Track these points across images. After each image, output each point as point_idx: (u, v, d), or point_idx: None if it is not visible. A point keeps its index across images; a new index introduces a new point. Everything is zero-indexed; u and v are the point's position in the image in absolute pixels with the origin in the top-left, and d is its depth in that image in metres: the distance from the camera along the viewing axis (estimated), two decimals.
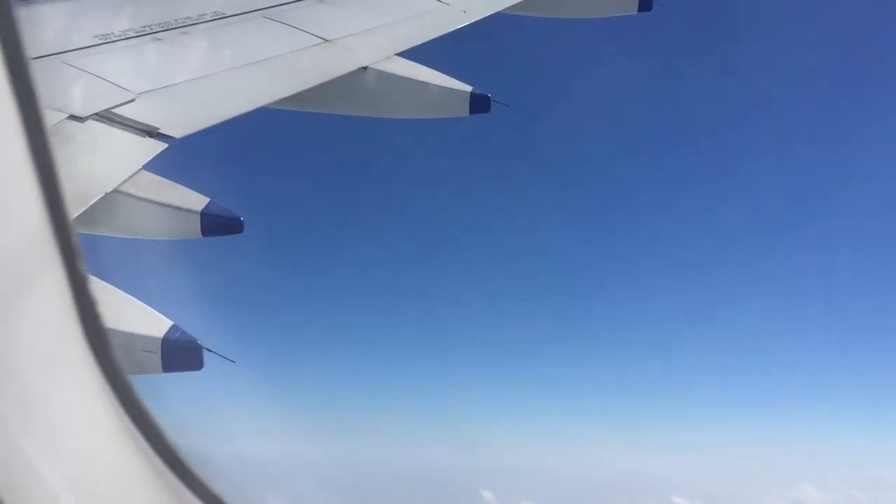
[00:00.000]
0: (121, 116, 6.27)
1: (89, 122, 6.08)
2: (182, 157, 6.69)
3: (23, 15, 1.89)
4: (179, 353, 5.28)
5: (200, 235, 7.23)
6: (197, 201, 7.29)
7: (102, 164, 5.97)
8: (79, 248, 2.07)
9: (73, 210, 5.30)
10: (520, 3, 8.74)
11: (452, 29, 9.16)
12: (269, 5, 8.65)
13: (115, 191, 5.82)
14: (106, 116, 6.21)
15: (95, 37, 7.26)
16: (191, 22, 8.07)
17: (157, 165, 6.32)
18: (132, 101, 6.48)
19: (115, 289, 5.38)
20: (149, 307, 5.39)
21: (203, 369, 5.47)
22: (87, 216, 5.46)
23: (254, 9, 8.56)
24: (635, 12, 8.71)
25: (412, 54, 8.68)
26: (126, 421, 2.13)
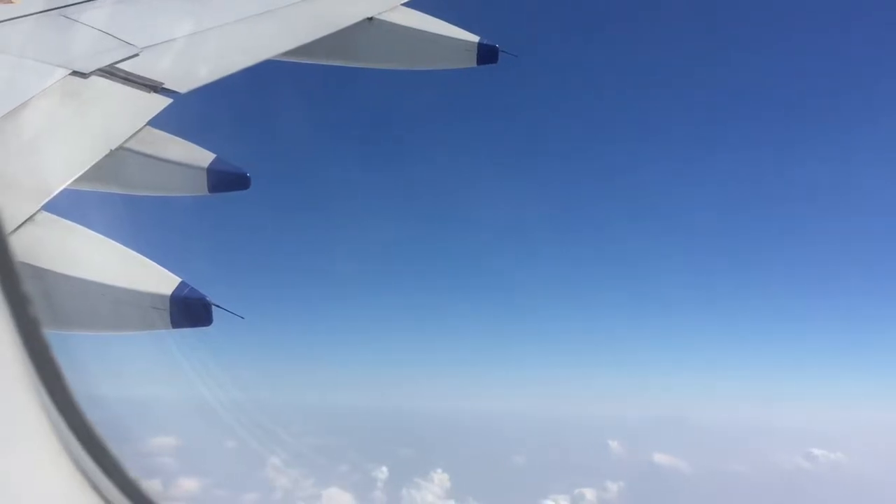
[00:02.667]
0: (125, 72, 6.20)
1: (93, 77, 6.02)
2: (187, 112, 6.64)
3: None
4: (188, 310, 5.29)
5: (207, 192, 7.22)
6: (203, 157, 7.27)
7: (107, 120, 5.92)
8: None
9: (79, 168, 5.29)
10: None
11: None
12: None
13: (121, 147, 5.78)
14: (110, 72, 6.14)
15: None
16: None
17: (162, 121, 6.28)
18: (136, 55, 6.41)
19: (123, 246, 5.39)
20: (157, 264, 5.39)
21: (212, 325, 5.47)
22: (93, 173, 5.43)
23: None
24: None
25: (419, 4, 8.55)
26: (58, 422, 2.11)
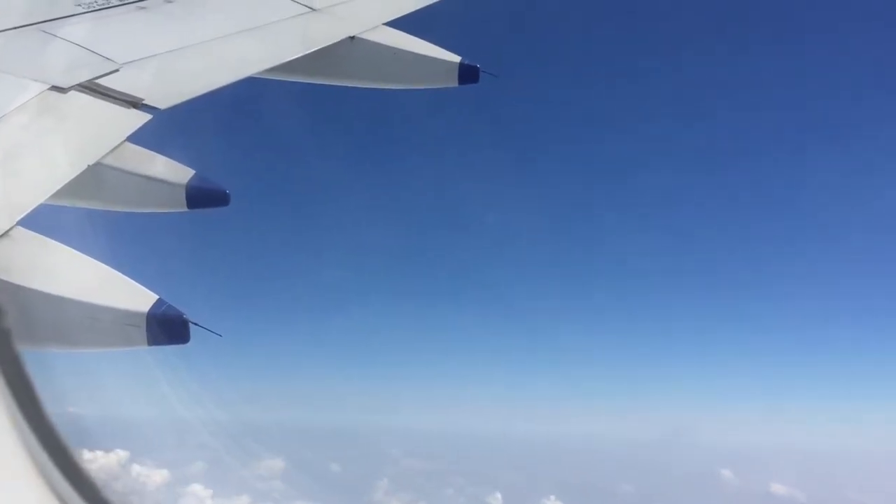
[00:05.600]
0: (104, 87, 6.17)
1: (72, 92, 5.98)
2: (167, 128, 6.62)
3: None
4: (165, 327, 5.23)
5: (186, 208, 7.19)
6: (182, 174, 7.24)
7: (86, 135, 5.89)
8: None
9: (57, 183, 5.24)
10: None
11: None
12: None
13: (99, 163, 5.74)
14: (89, 87, 6.11)
15: (78, 5, 7.14)
16: None
17: (141, 137, 6.25)
18: (116, 71, 6.38)
19: (99, 263, 5.34)
20: (133, 281, 5.34)
21: (189, 343, 5.42)
22: (71, 189, 5.39)
23: None
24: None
25: (401, 24, 8.58)
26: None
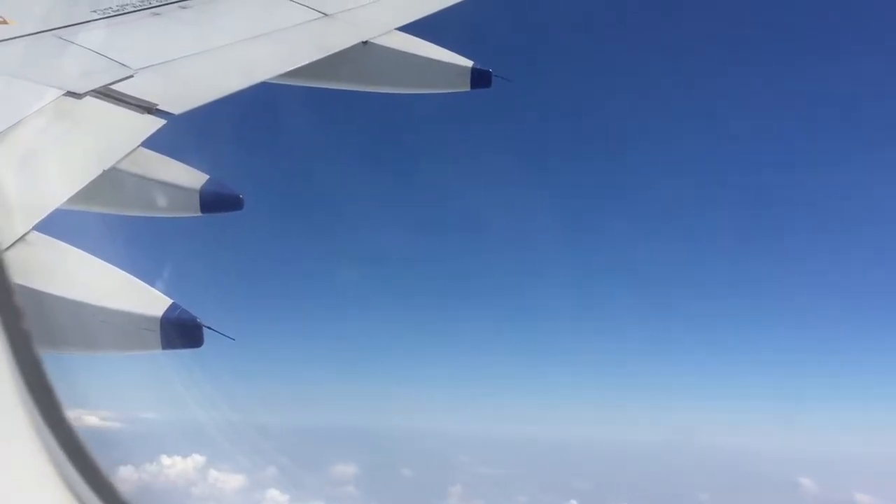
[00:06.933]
0: (119, 93, 6.21)
1: (87, 98, 6.02)
2: (181, 133, 6.65)
3: None
4: (179, 331, 5.26)
5: (200, 213, 7.23)
6: (196, 178, 7.29)
7: (100, 141, 5.93)
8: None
9: (72, 188, 5.28)
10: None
11: (453, 3, 9.07)
12: None
13: (114, 168, 5.78)
14: (104, 93, 6.15)
15: (93, 11, 7.20)
16: None
17: (155, 142, 6.29)
18: (130, 77, 6.42)
19: (114, 267, 5.37)
20: (147, 285, 5.37)
21: (203, 347, 5.45)
22: (86, 194, 5.43)
23: None
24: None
25: (413, 28, 8.61)
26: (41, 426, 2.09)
